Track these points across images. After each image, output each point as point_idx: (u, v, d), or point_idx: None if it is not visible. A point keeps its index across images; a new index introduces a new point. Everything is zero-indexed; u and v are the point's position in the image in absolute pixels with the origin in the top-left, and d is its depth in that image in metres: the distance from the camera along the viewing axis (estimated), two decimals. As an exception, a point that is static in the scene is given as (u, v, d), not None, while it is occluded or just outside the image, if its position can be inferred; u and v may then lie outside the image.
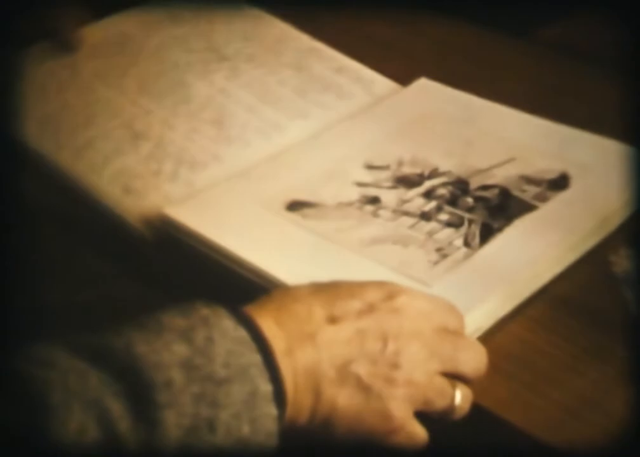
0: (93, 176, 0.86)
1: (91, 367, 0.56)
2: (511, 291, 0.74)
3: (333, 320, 0.64)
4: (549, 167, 0.84)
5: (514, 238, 0.78)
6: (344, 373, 0.63)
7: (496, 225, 0.79)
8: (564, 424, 0.65)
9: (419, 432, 0.65)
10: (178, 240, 0.81)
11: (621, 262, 0.75)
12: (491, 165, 0.85)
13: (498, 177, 0.84)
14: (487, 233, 0.79)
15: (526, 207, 0.81)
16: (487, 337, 0.71)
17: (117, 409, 0.55)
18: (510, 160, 0.86)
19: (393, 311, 0.65)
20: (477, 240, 0.78)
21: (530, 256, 0.76)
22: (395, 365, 0.64)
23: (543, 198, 0.82)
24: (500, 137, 0.89)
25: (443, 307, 0.69)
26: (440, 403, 0.65)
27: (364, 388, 0.63)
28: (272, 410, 0.60)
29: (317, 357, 0.63)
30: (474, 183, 0.84)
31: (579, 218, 0.79)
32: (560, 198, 0.81)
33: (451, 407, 0.65)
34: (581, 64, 0.99)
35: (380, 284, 0.67)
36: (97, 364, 0.56)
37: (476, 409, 0.67)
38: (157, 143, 0.90)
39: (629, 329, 0.70)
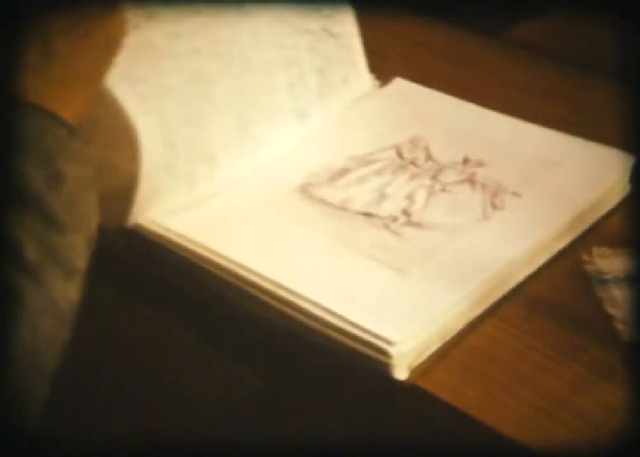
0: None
1: None
2: (484, 292, 0.74)
3: None
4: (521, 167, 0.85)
5: (485, 238, 0.78)
6: None
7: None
8: (535, 423, 0.65)
9: None
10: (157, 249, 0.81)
11: (593, 261, 0.75)
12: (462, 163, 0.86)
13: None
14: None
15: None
16: (460, 337, 0.71)
17: None
18: (482, 161, 0.86)
19: None
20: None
21: (502, 255, 0.76)
22: None
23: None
24: (475, 138, 0.89)
25: None
26: None
27: None
28: None
29: None
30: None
31: (551, 216, 0.79)
32: (531, 197, 0.82)
33: None
34: (553, 63, 0.99)
35: None
36: None
37: (448, 409, 0.67)
38: None
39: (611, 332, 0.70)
